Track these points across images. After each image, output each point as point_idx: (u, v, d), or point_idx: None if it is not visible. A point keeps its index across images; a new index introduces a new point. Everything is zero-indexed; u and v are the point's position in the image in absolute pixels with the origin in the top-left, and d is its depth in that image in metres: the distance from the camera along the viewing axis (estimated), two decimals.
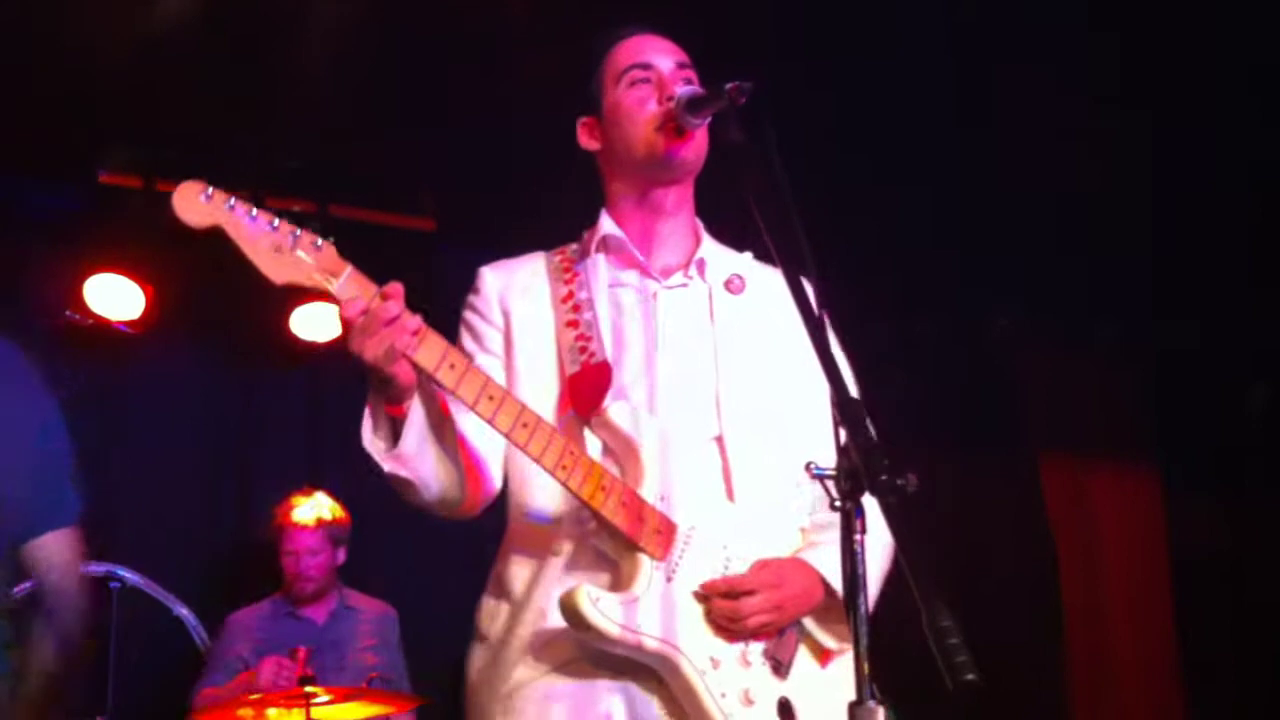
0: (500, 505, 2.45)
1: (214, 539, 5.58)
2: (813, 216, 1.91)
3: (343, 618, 5.14)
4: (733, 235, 2.58)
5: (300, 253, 2.07)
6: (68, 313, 5.43)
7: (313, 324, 5.75)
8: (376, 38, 4.75)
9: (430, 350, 2.12)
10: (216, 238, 5.95)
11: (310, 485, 5.27)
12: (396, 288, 2.11)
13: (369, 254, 2.25)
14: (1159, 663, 6.59)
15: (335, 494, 5.31)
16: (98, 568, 5.01)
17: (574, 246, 2.56)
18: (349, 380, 5.71)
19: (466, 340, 2.47)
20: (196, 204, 2.01)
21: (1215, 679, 6.42)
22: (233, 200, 2.03)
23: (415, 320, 2.11)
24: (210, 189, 2.02)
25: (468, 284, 2.55)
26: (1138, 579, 6.68)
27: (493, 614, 2.37)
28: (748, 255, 2.57)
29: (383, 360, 2.09)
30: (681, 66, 2.49)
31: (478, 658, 2.37)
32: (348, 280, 2.10)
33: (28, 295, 5.43)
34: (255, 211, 2.04)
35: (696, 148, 2.44)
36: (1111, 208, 5.53)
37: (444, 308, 2.51)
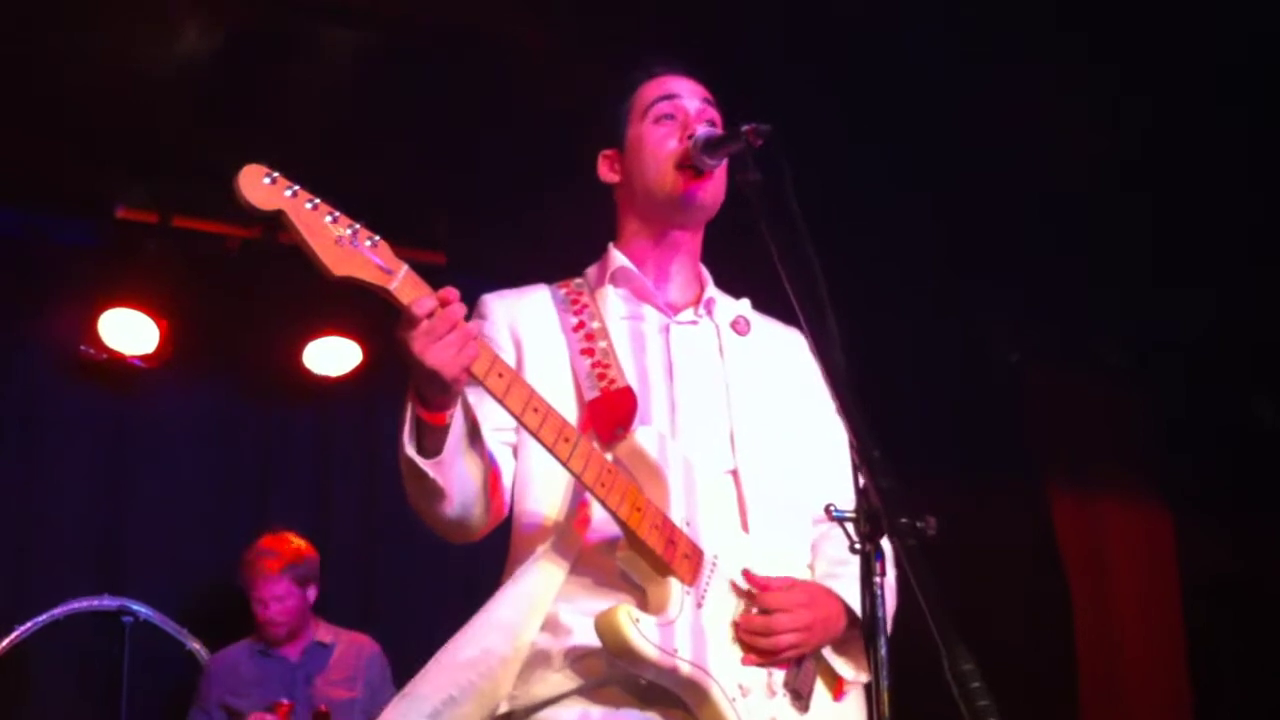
0: (499, 531, 2.43)
1: (226, 573, 5.58)
2: (823, 243, 1.92)
3: (315, 653, 5.12)
4: (731, 280, 2.61)
5: (360, 247, 2.00)
6: (82, 347, 5.45)
7: (325, 358, 5.77)
8: (391, 72, 4.79)
9: (481, 357, 2.09)
10: (232, 270, 5.97)
11: (280, 525, 5.22)
12: (453, 292, 2.05)
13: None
14: (1170, 688, 6.56)
15: (347, 527, 5.31)
16: (111, 602, 5.04)
17: (578, 280, 2.57)
18: (360, 414, 5.81)
19: None
20: (261, 186, 1.91)
21: (1226, 702, 6.40)
22: (296, 187, 1.95)
23: (476, 325, 2.09)
24: (274, 173, 1.93)
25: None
26: (1148, 604, 6.66)
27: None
28: (745, 301, 2.60)
29: (446, 366, 2.03)
30: (707, 105, 2.51)
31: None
32: (405, 279, 2.04)
33: (43, 329, 5.46)
34: (315, 200, 1.97)
35: (714, 191, 2.45)
36: (1114, 230, 5.53)
37: None
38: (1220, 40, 4.47)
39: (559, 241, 2.70)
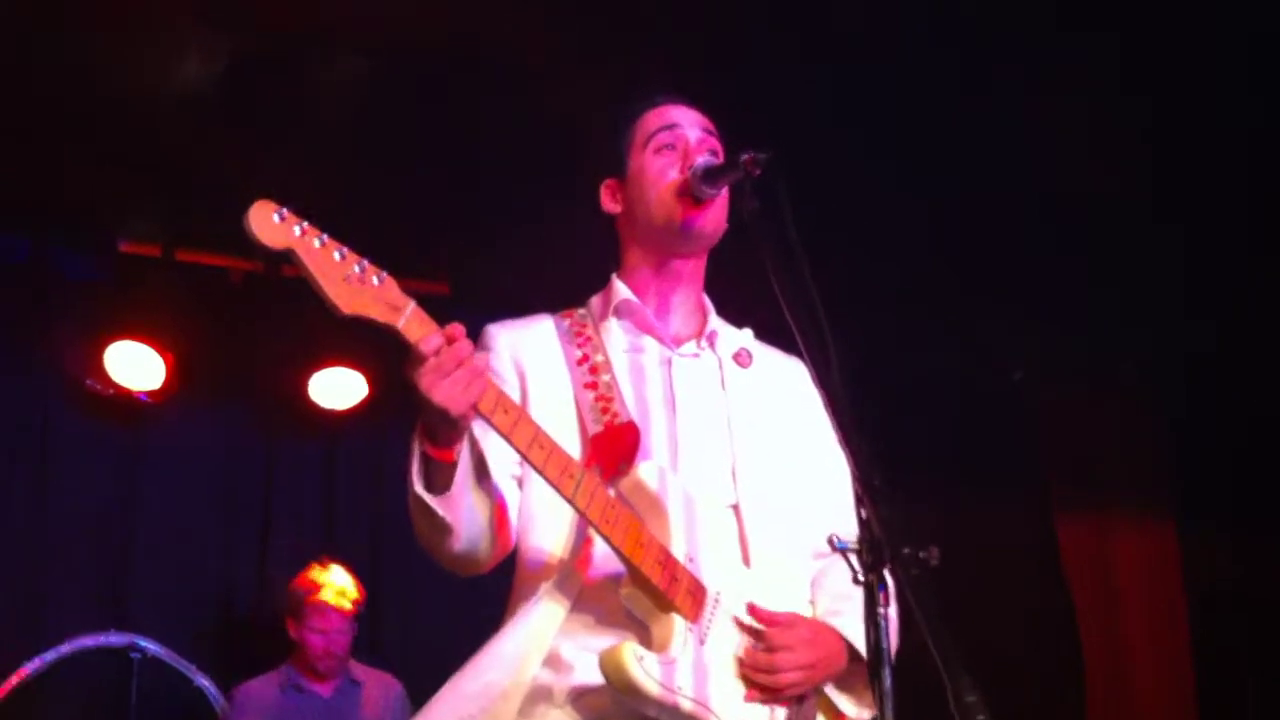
0: (505, 563, 2.43)
1: (233, 608, 5.57)
2: (824, 254, 1.92)
3: (348, 692, 5.09)
4: (734, 310, 2.61)
5: (368, 284, 2.00)
6: (88, 381, 5.45)
7: (331, 391, 5.77)
8: (394, 102, 4.81)
9: (487, 393, 2.09)
10: (236, 302, 5.97)
11: (328, 556, 5.22)
12: (460, 328, 2.06)
13: None
14: (1178, 700, 6.53)
15: (352, 560, 5.30)
16: (118, 638, 5.02)
17: (581, 310, 2.57)
18: (366, 448, 5.81)
19: None
20: (271, 224, 1.91)
21: (1234, 714, 6.36)
22: (304, 224, 1.95)
23: (484, 360, 2.09)
24: (283, 210, 1.94)
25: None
26: (1154, 615, 6.64)
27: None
28: (748, 331, 2.60)
29: (454, 402, 2.03)
30: (708, 135, 2.52)
31: None
32: (412, 316, 2.04)
33: (49, 364, 5.47)
34: (323, 237, 1.97)
35: (714, 220, 2.46)
36: (1114, 254, 5.54)
37: None
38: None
39: (563, 271, 2.71)
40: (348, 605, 5.05)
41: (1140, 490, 6.73)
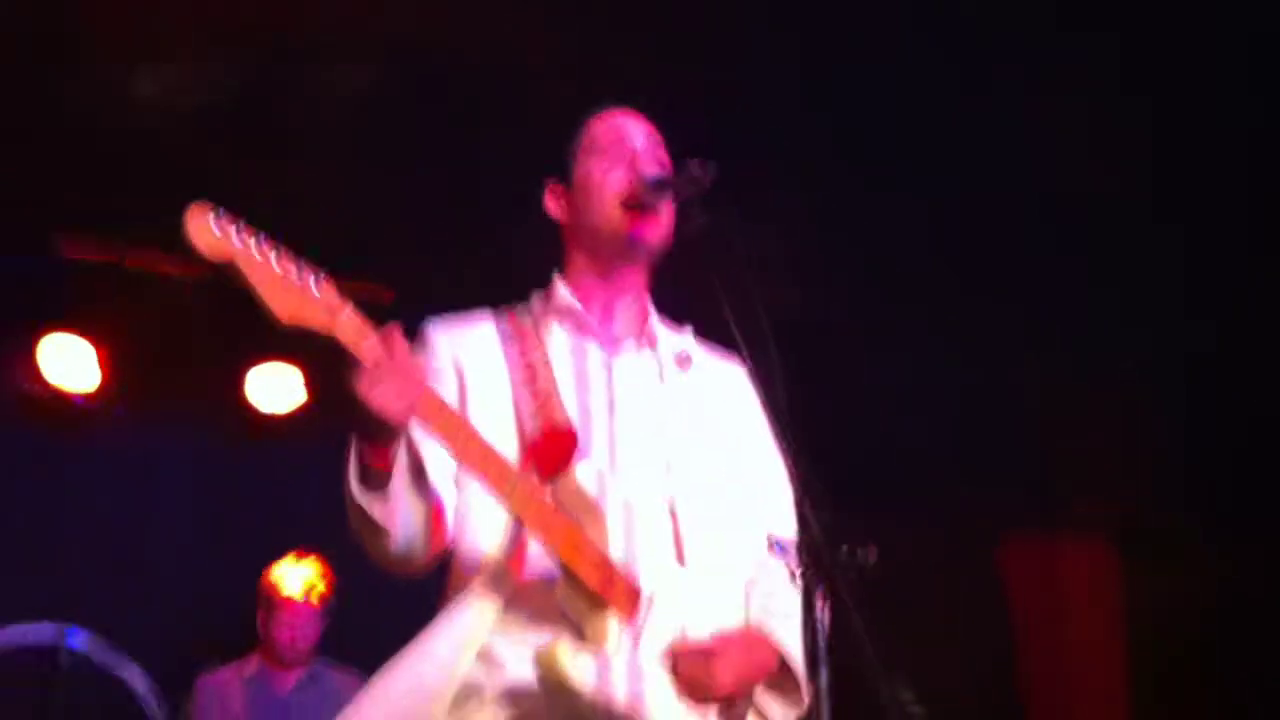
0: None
1: (169, 606, 5.52)
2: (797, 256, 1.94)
3: (308, 687, 5.11)
4: (674, 310, 2.63)
5: (307, 291, 1.99)
6: (21, 382, 5.39)
7: (269, 391, 5.76)
8: (344, 107, 4.79)
9: (424, 398, 2.10)
10: (173, 303, 5.89)
11: (303, 549, 5.23)
12: (396, 330, 2.06)
13: None
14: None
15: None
16: (49, 630, 4.97)
17: (522, 308, 2.58)
18: (305, 449, 5.77)
19: None
20: (208, 230, 1.91)
21: None
22: (239, 230, 1.94)
23: (422, 363, 2.09)
24: (218, 211, 1.93)
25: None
26: (1094, 635, 6.70)
27: None
28: (688, 332, 2.62)
29: (391, 407, 2.03)
30: (655, 146, 2.53)
31: None
32: (348, 320, 2.04)
33: None
34: (258, 240, 1.96)
35: (660, 230, 2.47)
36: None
37: None
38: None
39: (507, 275, 2.70)
40: (315, 600, 5.10)
41: (1082, 517, 6.79)
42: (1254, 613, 6.23)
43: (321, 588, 5.14)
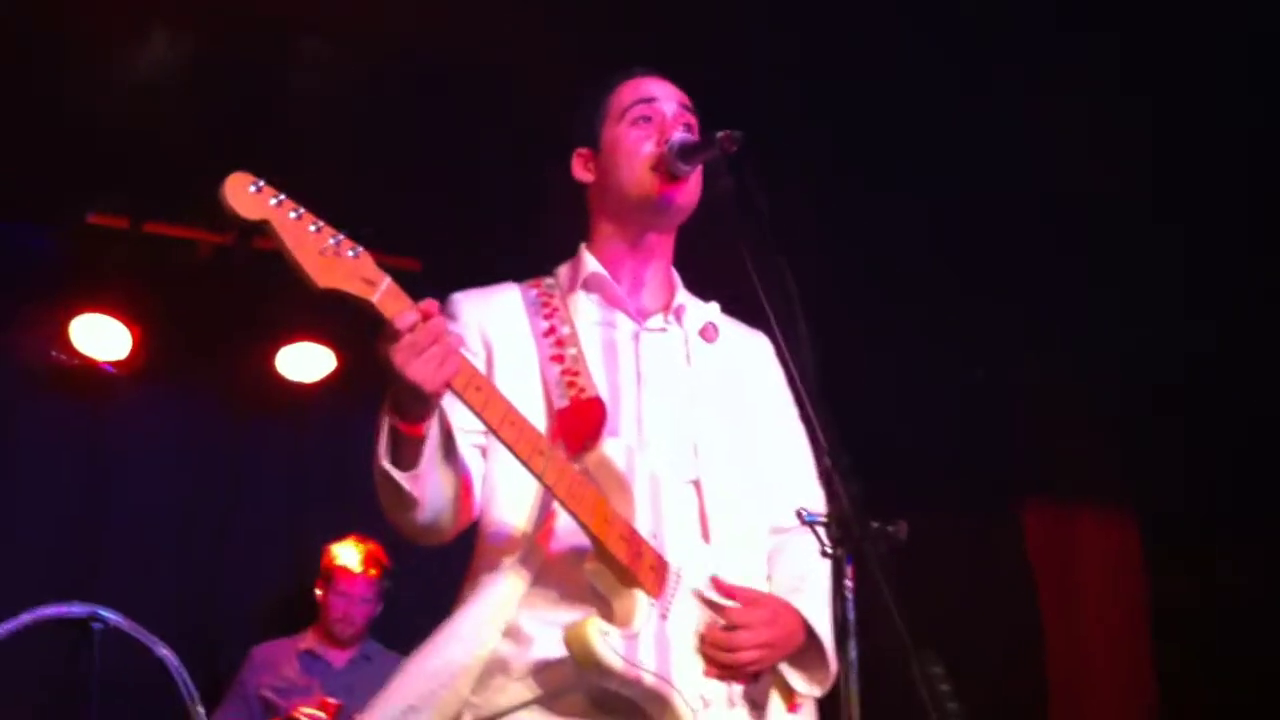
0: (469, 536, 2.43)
1: (197, 580, 5.56)
2: (799, 250, 1.93)
3: (360, 667, 5.19)
4: (701, 284, 2.61)
5: (344, 258, 1.98)
6: (53, 353, 5.41)
7: (299, 365, 5.76)
8: (363, 80, 4.78)
9: (461, 371, 2.09)
10: (204, 276, 5.91)
11: (359, 534, 5.31)
12: (433, 304, 2.05)
13: None
14: (1138, 712, 6.59)
15: (315, 535, 5.32)
16: (80, 609, 4.99)
17: (549, 280, 2.57)
18: (333, 422, 5.79)
19: None
20: (247, 195, 1.90)
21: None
22: (281, 196, 1.94)
23: (458, 338, 2.07)
24: (259, 181, 1.92)
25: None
26: (1116, 620, 6.69)
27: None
28: (715, 305, 2.60)
29: (428, 380, 2.02)
30: (685, 110, 2.52)
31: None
32: (387, 291, 2.02)
33: (14, 336, 5.43)
34: (300, 210, 1.95)
35: (689, 194, 2.46)
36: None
37: None
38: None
39: (536, 247, 2.69)
40: (373, 571, 5.22)
41: (1104, 497, 6.77)
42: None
43: (380, 560, 5.25)
